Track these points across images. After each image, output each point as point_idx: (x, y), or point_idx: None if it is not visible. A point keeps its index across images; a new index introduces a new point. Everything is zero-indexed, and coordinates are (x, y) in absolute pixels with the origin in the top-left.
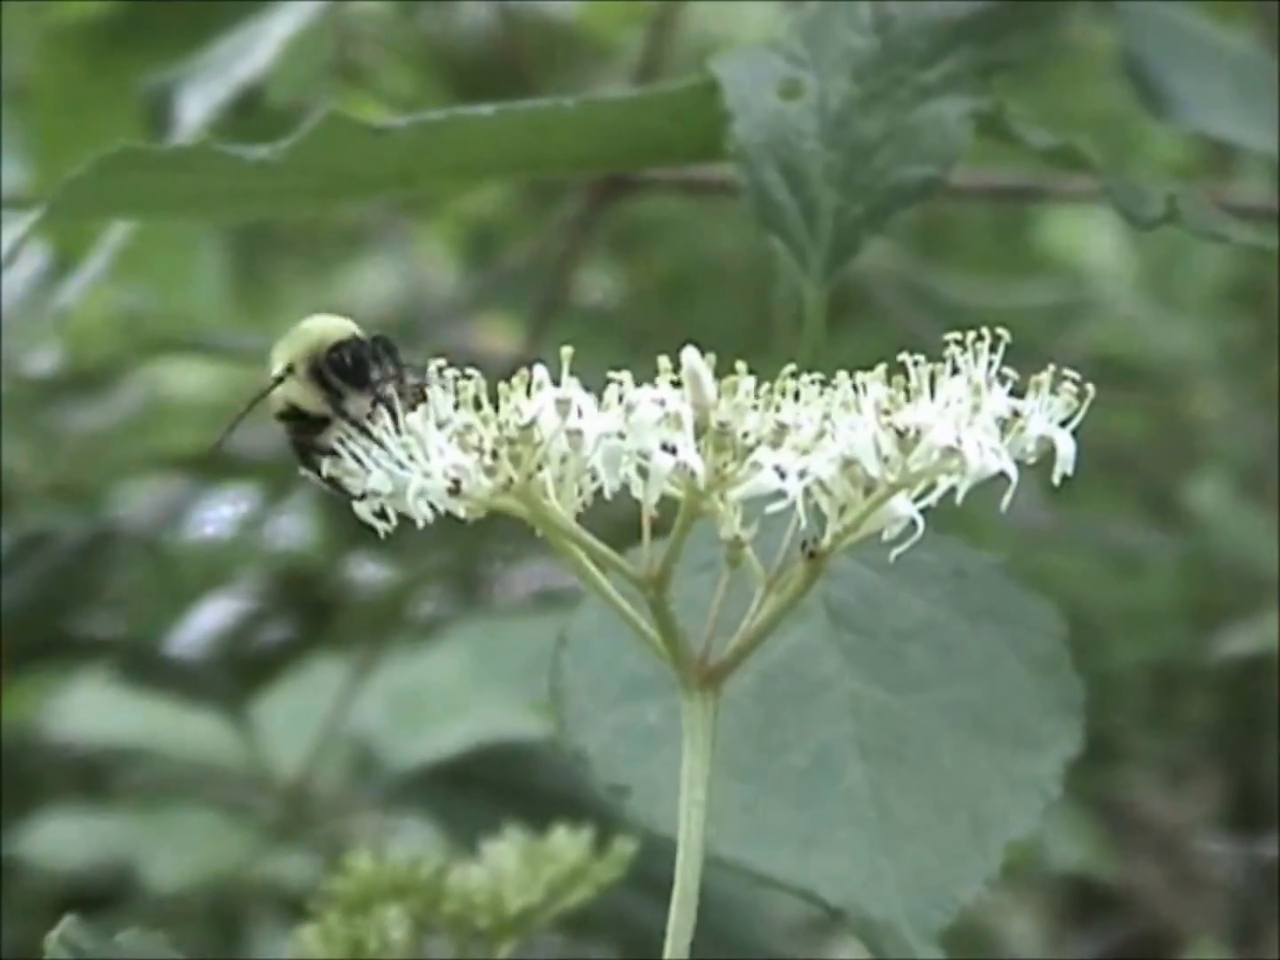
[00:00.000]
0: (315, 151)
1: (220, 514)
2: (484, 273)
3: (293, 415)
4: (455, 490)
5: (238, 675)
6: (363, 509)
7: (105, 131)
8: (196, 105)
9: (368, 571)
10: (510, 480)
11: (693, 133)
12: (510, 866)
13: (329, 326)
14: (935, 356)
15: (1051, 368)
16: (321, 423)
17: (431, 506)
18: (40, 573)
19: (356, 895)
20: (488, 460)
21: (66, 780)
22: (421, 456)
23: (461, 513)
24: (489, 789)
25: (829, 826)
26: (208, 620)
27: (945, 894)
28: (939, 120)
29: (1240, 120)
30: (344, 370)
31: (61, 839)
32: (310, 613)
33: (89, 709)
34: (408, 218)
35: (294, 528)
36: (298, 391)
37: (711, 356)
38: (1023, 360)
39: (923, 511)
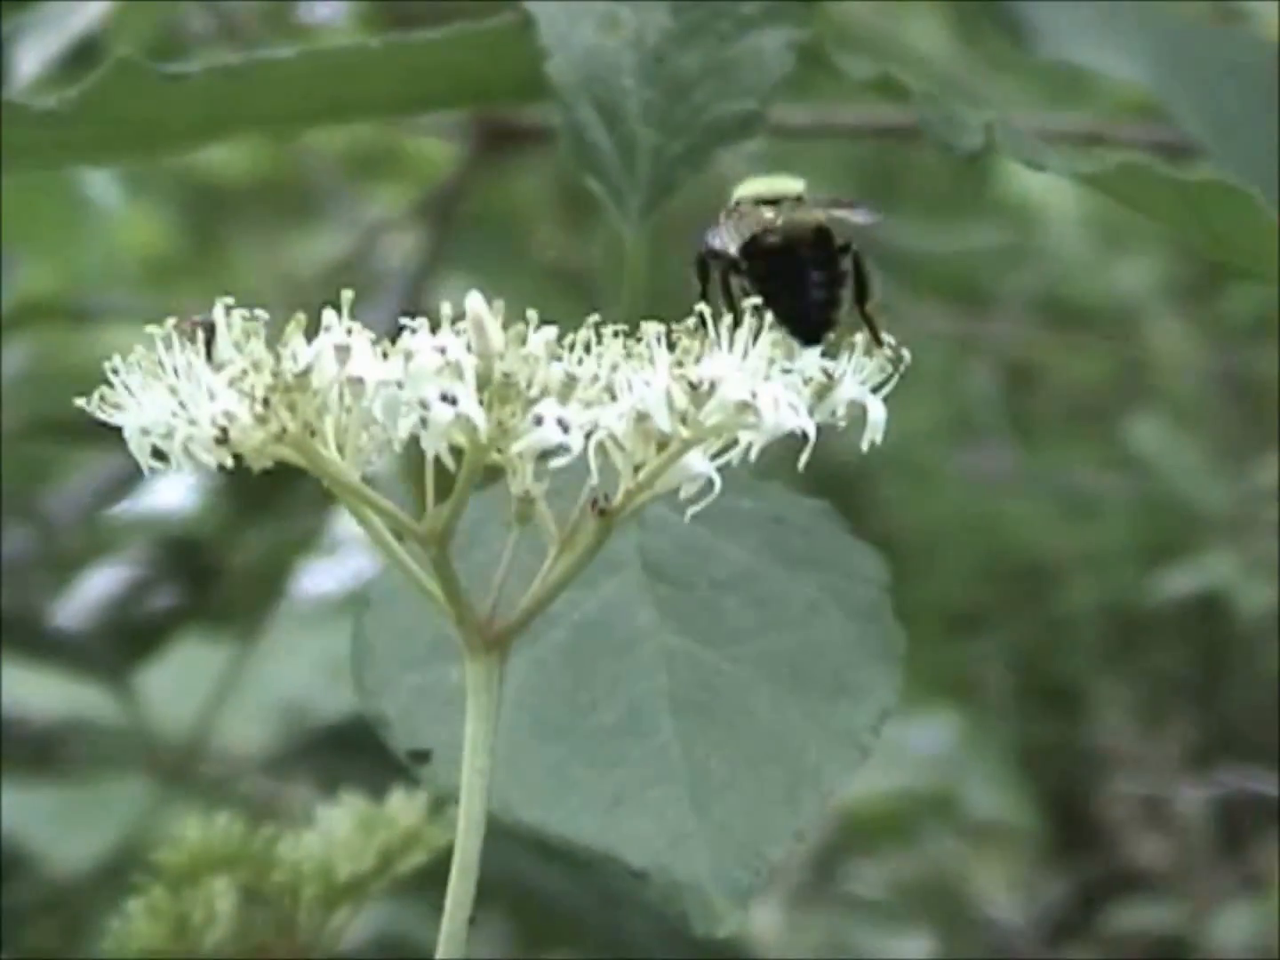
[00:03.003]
0: (108, 101)
1: (106, 482)
2: (435, 231)
3: None
4: (223, 439)
5: (125, 644)
6: (135, 446)
7: None
8: (31, 58)
9: (257, 536)
10: (284, 430)
11: (510, 72)
12: (342, 833)
13: None
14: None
15: (862, 336)
16: None
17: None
18: None
19: (185, 867)
20: (259, 408)
21: None
22: (192, 401)
23: (229, 462)
24: (375, 752)
25: (639, 786)
26: (94, 590)
27: (754, 852)
28: (758, 53)
29: (1105, 49)
30: None
31: None
32: (198, 580)
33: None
34: (365, 176)
35: (181, 494)
36: None
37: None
38: (971, 302)
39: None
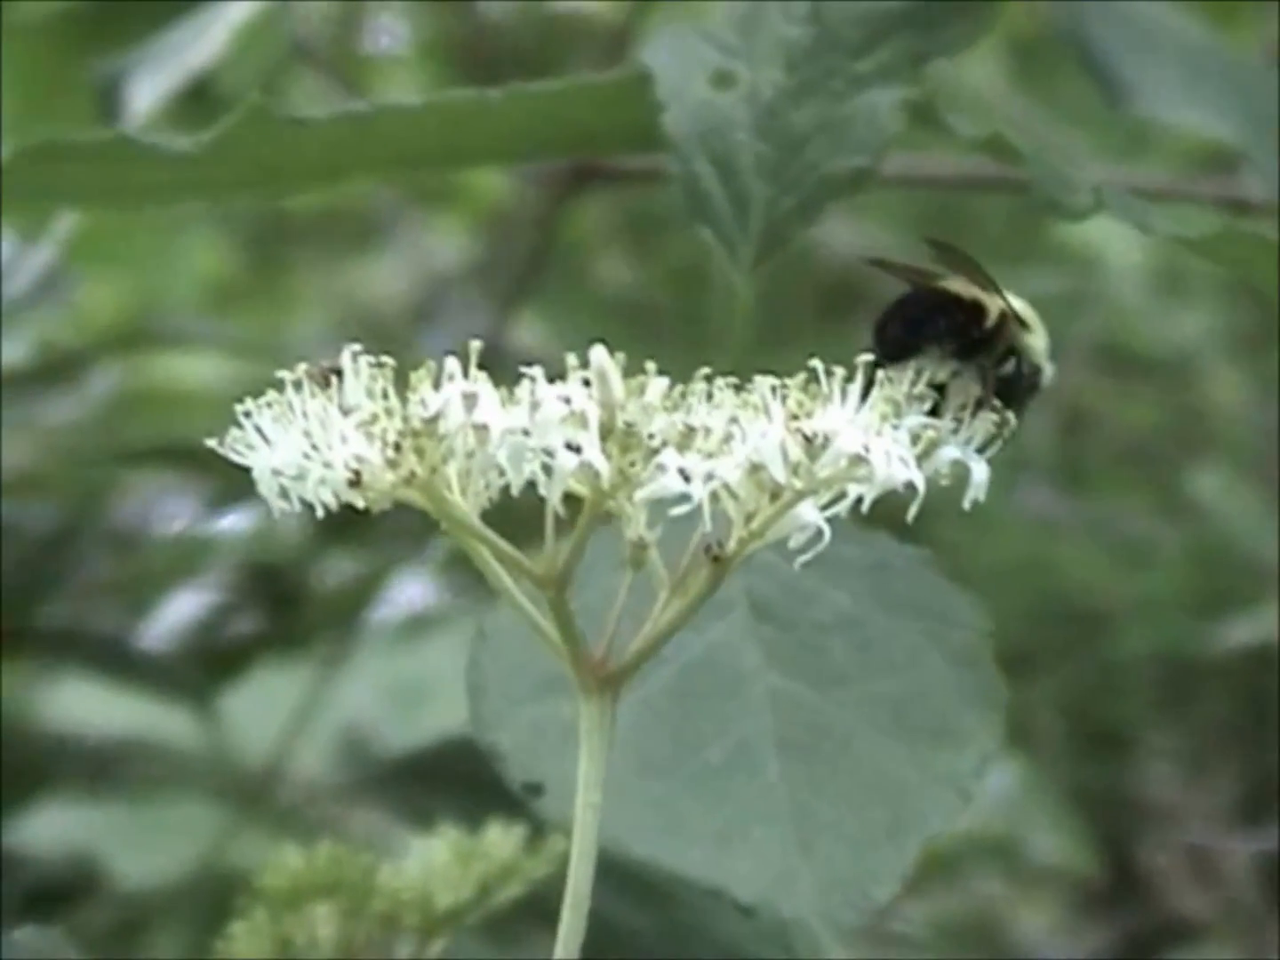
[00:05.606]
0: (238, 144)
1: (192, 505)
2: (497, 262)
3: None
4: (356, 482)
5: (208, 667)
6: (265, 486)
7: (70, 123)
8: (145, 93)
9: (342, 563)
10: (413, 474)
11: (621, 123)
12: (440, 863)
13: None
14: None
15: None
16: None
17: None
18: (9, 564)
19: (286, 892)
20: (390, 453)
21: (56, 772)
22: (325, 444)
23: (361, 504)
24: (457, 782)
25: (744, 824)
26: (178, 612)
27: (859, 893)
28: (871, 111)
29: (1191, 105)
30: None
31: (48, 832)
32: (280, 605)
33: (78, 701)
34: (424, 206)
35: (266, 519)
36: None
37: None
38: None
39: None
